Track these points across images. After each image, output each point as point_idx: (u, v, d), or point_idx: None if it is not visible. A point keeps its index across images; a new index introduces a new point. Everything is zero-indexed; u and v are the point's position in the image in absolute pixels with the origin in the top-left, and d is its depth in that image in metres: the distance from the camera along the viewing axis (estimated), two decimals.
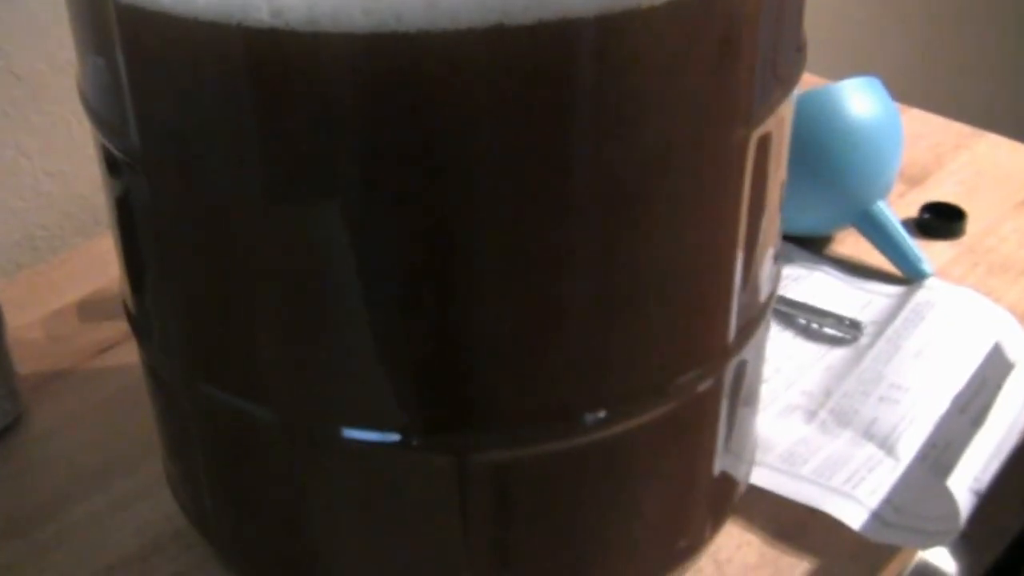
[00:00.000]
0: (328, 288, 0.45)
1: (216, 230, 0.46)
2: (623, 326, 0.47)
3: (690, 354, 0.50)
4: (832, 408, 0.69)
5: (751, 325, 0.53)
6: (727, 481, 0.57)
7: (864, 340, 0.74)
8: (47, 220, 0.88)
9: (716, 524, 0.58)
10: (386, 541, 0.52)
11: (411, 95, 0.40)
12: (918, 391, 0.69)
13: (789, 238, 0.83)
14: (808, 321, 0.76)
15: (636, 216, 0.44)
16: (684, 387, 0.50)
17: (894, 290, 0.79)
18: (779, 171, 0.52)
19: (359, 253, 0.44)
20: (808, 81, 1.01)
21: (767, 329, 0.58)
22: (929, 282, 0.78)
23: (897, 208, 0.87)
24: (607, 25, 0.39)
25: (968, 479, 0.61)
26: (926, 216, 0.86)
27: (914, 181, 0.92)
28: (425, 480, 0.50)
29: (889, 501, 0.62)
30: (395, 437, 0.48)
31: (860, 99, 0.79)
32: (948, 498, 0.59)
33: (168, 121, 0.45)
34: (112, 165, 0.50)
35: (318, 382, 0.48)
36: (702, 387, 0.51)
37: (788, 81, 0.49)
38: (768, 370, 0.73)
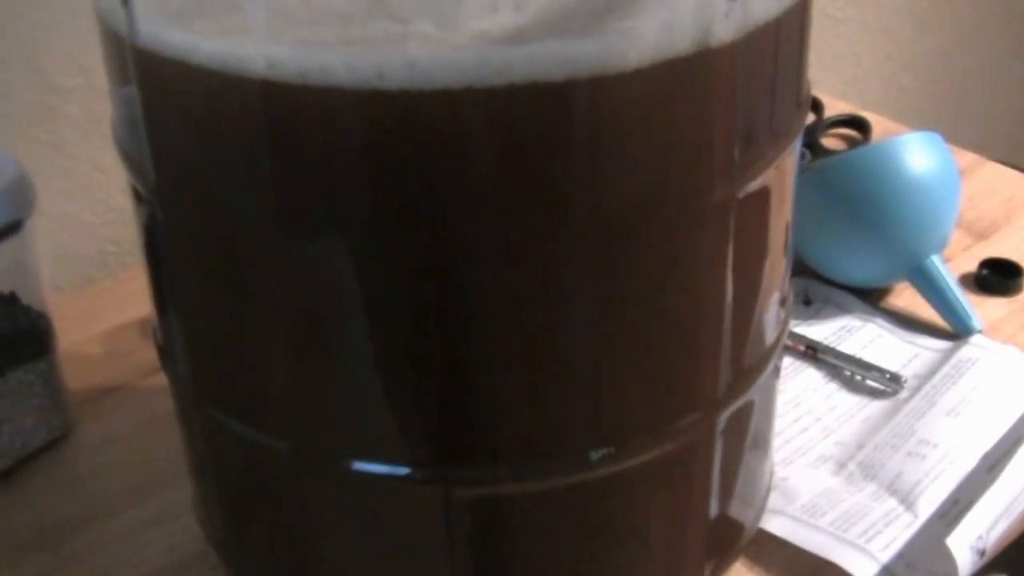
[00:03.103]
0: (335, 323, 0.47)
1: (223, 264, 0.49)
2: (617, 369, 0.48)
3: (684, 398, 0.51)
4: (861, 460, 0.69)
5: (752, 371, 0.53)
6: (730, 524, 0.58)
7: (904, 394, 0.74)
8: (119, 235, 0.91)
9: (719, 567, 0.58)
10: (386, 569, 0.53)
11: (395, 147, 0.42)
12: (947, 448, 0.68)
13: (846, 288, 0.83)
14: (853, 373, 0.76)
15: (616, 269, 0.46)
16: (682, 430, 0.51)
17: (942, 345, 0.78)
18: (780, 222, 0.52)
19: (363, 291, 0.46)
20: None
21: (776, 374, 0.58)
22: (975, 339, 0.78)
23: (959, 261, 0.86)
24: (574, 90, 0.40)
25: (971, 537, 0.61)
26: (984, 271, 0.85)
27: (981, 235, 0.91)
28: (433, 513, 0.51)
29: (902, 556, 0.62)
30: (404, 470, 0.50)
31: (917, 155, 0.79)
32: (947, 556, 0.59)
33: (178, 159, 0.48)
34: (136, 199, 0.52)
35: (328, 414, 0.49)
36: (699, 430, 0.52)
37: (785, 135, 0.49)
38: (809, 419, 0.73)
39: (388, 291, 0.45)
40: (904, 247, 0.79)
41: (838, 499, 0.66)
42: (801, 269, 0.84)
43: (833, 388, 0.76)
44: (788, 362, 0.78)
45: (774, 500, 0.66)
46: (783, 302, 0.56)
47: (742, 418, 0.55)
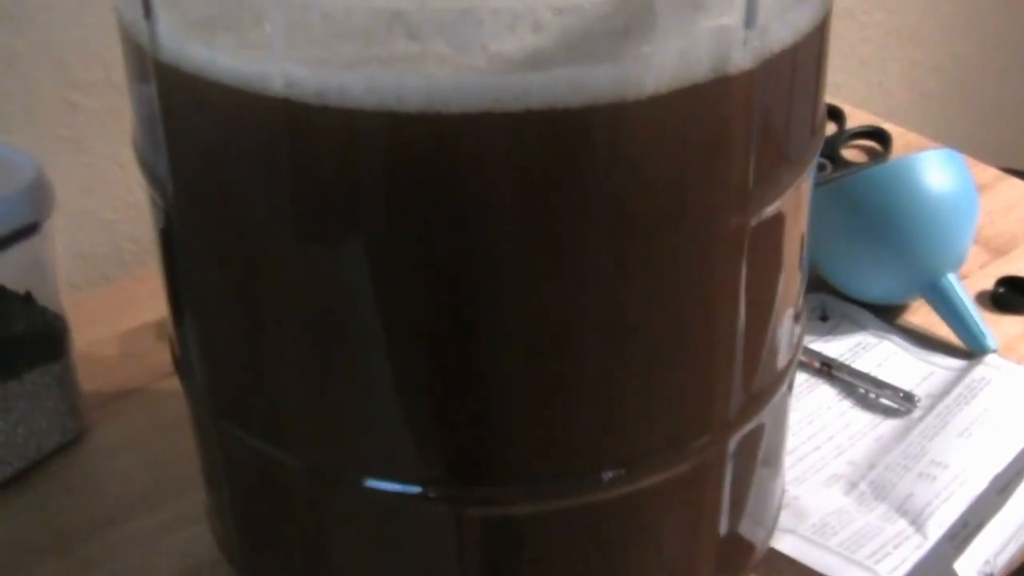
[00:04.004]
0: (350, 340, 0.47)
1: (239, 278, 0.49)
2: (630, 392, 0.48)
3: (696, 421, 0.51)
4: (872, 480, 0.69)
5: (764, 393, 0.53)
6: (740, 544, 0.58)
7: (917, 413, 0.74)
8: (137, 232, 0.91)
9: None
10: None
11: (413, 170, 0.42)
12: (957, 469, 0.68)
13: (862, 304, 0.83)
14: (867, 391, 0.76)
15: (630, 293, 0.46)
16: (693, 451, 0.52)
17: (956, 364, 0.78)
18: (795, 245, 0.52)
19: (379, 310, 0.46)
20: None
21: (788, 394, 0.58)
22: (990, 358, 0.77)
23: (976, 278, 0.86)
24: (592, 116, 0.41)
25: (979, 561, 0.61)
26: (1001, 289, 0.85)
27: (999, 251, 0.90)
28: (444, 532, 0.51)
29: None
30: (416, 489, 0.50)
31: (935, 173, 0.79)
32: None
33: (197, 172, 0.48)
34: (155, 209, 0.52)
35: (342, 431, 0.50)
36: (711, 452, 0.52)
37: (800, 163, 0.49)
38: (822, 437, 0.73)
39: (403, 311, 0.46)
40: (920, 265, 0.79)
41: (848, 519, 0.66)
42: (818, 285, 0.84)
43: (847, 406, 0.76)
44: (803, 378, 0.77)
45: (785, 519, 0.66)
46: (796, 323, 0.56)
47: (754, 439, 0.55)
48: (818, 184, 0.80)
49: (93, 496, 0.69)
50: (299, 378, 0.49)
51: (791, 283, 0.53)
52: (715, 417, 0.51)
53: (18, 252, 0.67)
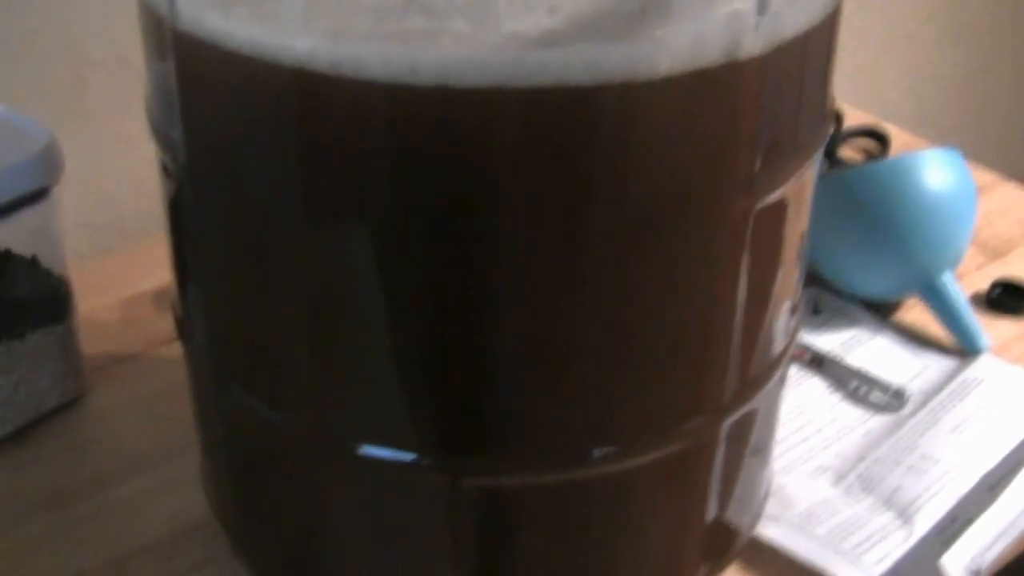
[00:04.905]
0: (354, 308, 0.48)
1: (248, 243, 0.50)
2: (627, 369, 0.49)
3: (690, 402, 0.52)
4: (861, 473, 0.70)
5: (759, 379, 0.54)
6: (726, 529, 0.59)
7: (908, 409, 0.75)
8: (141, 205, 0.92)
9: (713, 570, 0.59)
10: (388, 554, 0.54)
11: (425, 142, 0.43)
12: (948, 465, 0.69)
13: (857, 300, 0.84)
14: (857, 386, 0.77)
15: (632, 271, 0.47)
16: (686, 433, 0.52)
17: (949, 363, 0.79)
18: (797, 232, 0.53)
19: (383, 280, 0.47)
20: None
21: (782, 383, 0.59)
22: (983, 358, 0.78)
23: (972, 279, 0.87)
24: (603, 95, 0.41)
25: (966, 558, 0.61)
26: (996, 292, 0.85)
27: (996, 254, 0.91)
28: (436, 500, 0.52)
29: (896, 571, 0.62)
30: (410, 457, 0.50)
31: (935, 171, 0.79)
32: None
33: (210, 140, 0.49)
34: (166, 175, 0.53)
35: (341, 396, 0.50)
36: (704, 434, 0.53)
37: (808, 148, 0.50)
38: (810, 429, 0.74)
39: (407, 281, 0.46)
40: (916, 262, 0.80)
41: (835, 510, 0.67)
42: (813, 279, 0.85)
43: (836, 399, 0.76)
44: (793, 370, 0.78)
45: (771, 507, 0.67)
46: (793, 312, 0.56)
47: (746, 425, 0.56)
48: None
49: (90, 456, 0.70)
50: (300, 343, 0.50)
51: (791, 271, 0.54)
52: (709, 400, 0.52)
53: (27, 216, 0.68)
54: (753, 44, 0.43)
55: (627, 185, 0.44)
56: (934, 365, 0.79)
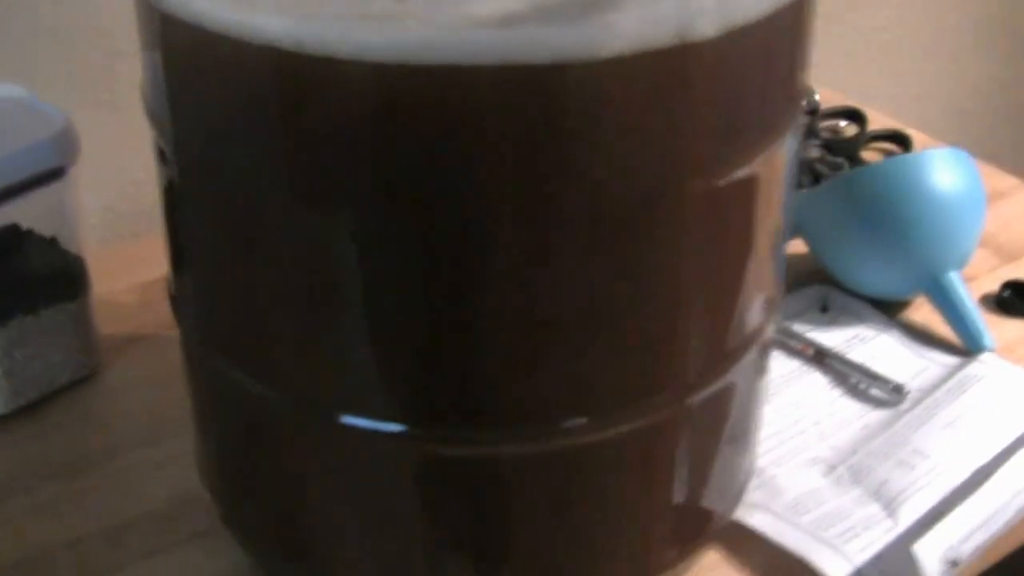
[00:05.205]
0: (333, 281, 0.49)
1: (231, 220, 0.51)
2: (594, 343, 0.50)
3: (656, 377, 0.53)
4: (852, 464, 0.70)
5: (728, 358, 0.55)
6: (698, 510, 0.60)
7: (905, 404, 0.75)
8: None
9: (684, 552, 0.60)
10: (367, 523, 0.56)
11: (387, 118, 0.45)
12: (938, 460, 0.70)
13: (865, 298, 0.85)
14: (858, 381, 0.77)
15: (594, 247, 0.48)
16: (653, 407, 0.53)
17: (951, 361, 0.79)
18: (768, 213, 0.54)
19: (359, 253, 0.48)
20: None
21: (758, 369, 0.60)
22: (986, 357, 0.78)
23: (983, 280, 0.87)
24: (557, 73, 0.43)
25: (942, 546, 0.62)
26: (1006, 293, 0.86)
27: (1010, 256, 0.91)
28: (413, 469, 0.54)
29: (878, 561, 0.63)
30: (389, 427, 0.52)
31: (940, 170, 0.80)
32: (911, 562, 0.60)
33: (194, 121, 0.50)
34: (161, 159, 0.55)
35: (321, 367, 0.52)
36: (670, 411, 0.54)
37: (773, 130, 0.51)
38: (807, 422, 0.75)
39: (381, 255, 0.48)
40: (922, 261, 0.80)
41: (822, 500, 0.68)
42: (822, 277, 0.86)
43: (836, 394, 0.77)
44: (795, 365, 0.79)
45: (759, 496, 0.67)
46: (767, 293, 0.57)
47: (717, 405, 0.57)
48: (834, 180, 0.82)
49: (98, 429, 0.73)
50: (282, 314, 0.51)
51: (762, 249, 0.54)
52: (674, 376, 0.53)
53: (44, 195, 0.71)
54: (706, 27, 0.45)
55: (585, 164, 0.45)
56: (937, 363, 0.79)
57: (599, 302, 0.49)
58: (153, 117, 0.54)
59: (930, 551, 0.62)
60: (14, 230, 0.71)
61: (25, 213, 0.71)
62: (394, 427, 0.52)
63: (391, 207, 0.47)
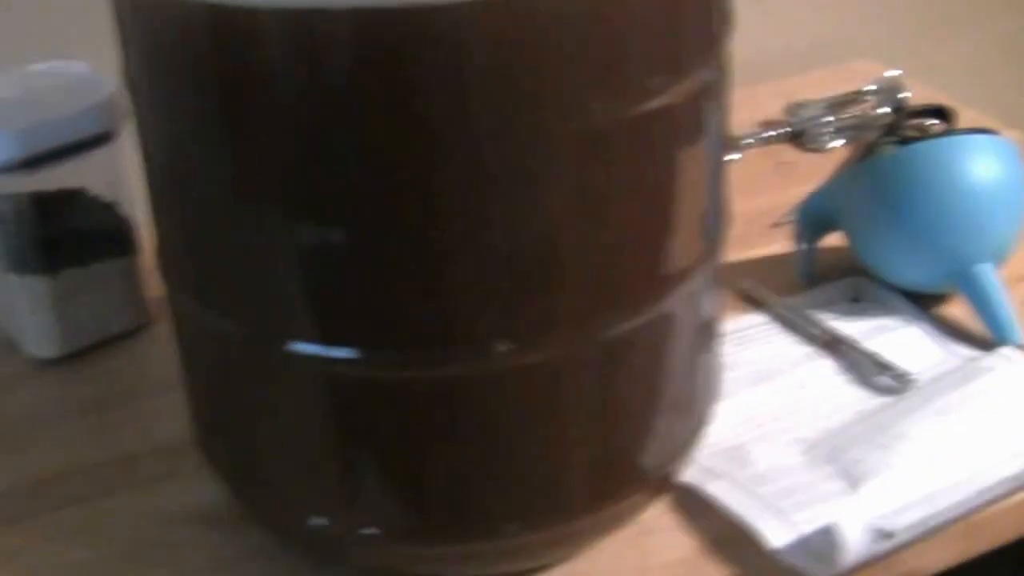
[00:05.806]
0: (263, 208, 0.54)
1: (179, 164, 0.57)
2: (501, 269, 0.53)
3: (569, 308, 0.55)
4: (832, 444, 0.70)
5: (640, 301, 0.57)
6: (623, 457, 0.61)
7: (908, 393, 0.75)
8: None
9: (615, 499, 0.62)
10: (312, 448, 0.60)
11: (280, 60, 0.50)
12: (919, 443, 0.69)
13: (900, 291, 0.84)
14: (867, 369, 0.77)
15: (483, 186, 0.51)
16: (568, 338, 0.56)
17: (975, 355, 0.78)
18: (692, 147, 0.56)
19: (284, 191, 0.53)
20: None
21: (697, 313, 0.61)
22: (1004, 349, 0.77)
23: None
24: (413, 16, 0.47)
25: (870, 513, 0.62)
26: None
27: None
28: (351, 393, 0.57)
29: (821, 532, 0.63)
30: (329, 352, 0.55)
31: (974, 157, 0.79)
32: (828, 527, 0.61)
33: (140, 69, 0.56)
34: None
35: (265, 297, 0.56)
36: (580, 347, 0.56)
37: (687, 62, 0.54)
38: (805, 404, 0.75)
39: (307, 192, 0.52)
40: (950, 249, 0.79)
41: (789, 474, 0.68)
42: (856, 269, 0.85)
43: (842, 380, 0.77)
44: (807, 350, 0.79)
45: (726, 465, 0.69)
46: (692, 235, 0.59)
47: (648, 340, 0.59)
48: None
49: (133, 376, 0.80)
50: (226, 245, 0.56)
51: (680, 188, 0.56)
52: (570, 311, 0.55)
53: (96, 157, 0.78)
54: None
55: (472, 100, 0.49)
56: (959, 357, 0.78)
57: (503, 236, 0.52)
58: (126, 76, 0.60)
59: (851, 515, 0.62)
60: (69, 191, 0.79)
61: (78, 173, 0.78)
62: (335, 353, 0.55)
63: (315, 145, 0.51)
